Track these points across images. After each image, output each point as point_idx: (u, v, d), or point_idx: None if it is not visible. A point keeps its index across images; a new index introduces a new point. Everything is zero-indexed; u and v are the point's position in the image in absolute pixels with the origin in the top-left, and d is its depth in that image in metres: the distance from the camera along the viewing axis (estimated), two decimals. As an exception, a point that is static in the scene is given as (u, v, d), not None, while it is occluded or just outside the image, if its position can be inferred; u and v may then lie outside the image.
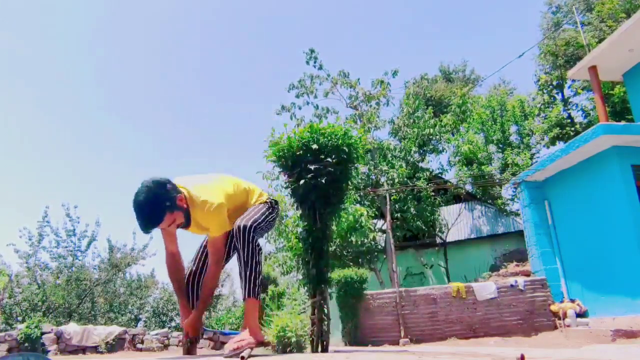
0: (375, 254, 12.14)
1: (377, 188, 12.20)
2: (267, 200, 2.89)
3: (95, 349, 8.05)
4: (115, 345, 8.20)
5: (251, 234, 2.45)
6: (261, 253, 2.50)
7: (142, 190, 2.27)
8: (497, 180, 14.52)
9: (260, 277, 2.45)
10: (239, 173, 3.08)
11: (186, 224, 2.49)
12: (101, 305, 13.57)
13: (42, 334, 7.88)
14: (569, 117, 15.02)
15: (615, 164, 6.77)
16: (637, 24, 7.37)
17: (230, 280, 24.54)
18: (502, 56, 48.07)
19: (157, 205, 2.27)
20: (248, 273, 2.39)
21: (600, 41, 11.21)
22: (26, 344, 7.64)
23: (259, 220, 2.60)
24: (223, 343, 8.99)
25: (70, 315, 12.27)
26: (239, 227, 2.45)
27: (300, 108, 12.89)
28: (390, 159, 12.49)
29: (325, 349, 3.75)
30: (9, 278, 12.30)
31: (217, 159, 54.50)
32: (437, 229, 13.94)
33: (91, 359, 7.27)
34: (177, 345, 8.06)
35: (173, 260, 2.75)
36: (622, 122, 9.41)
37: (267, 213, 2.75)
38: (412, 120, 12.97)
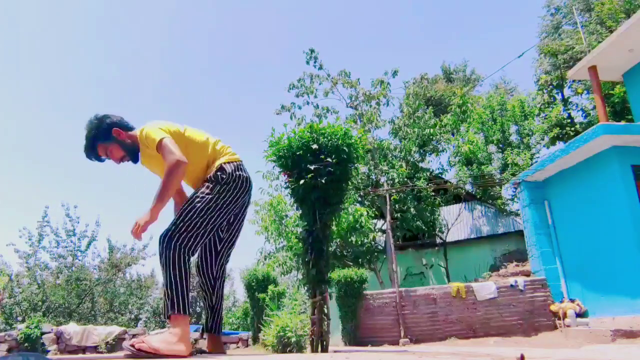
0: (375, 254, 12.14)
1: (377, 188, 12.20)
2: (221, 166, 2.45)
3: (95, 349, 8.05)
4: (115, 345, 8.20)
5: (165, 243, 2.22)
6: (181, 263, 2.19)
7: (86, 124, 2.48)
8: (497, 180, 14.52)
9: (180, 290, 2.15)
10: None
11: (133, 160, 2.51)
12: (101, 305, 13.57)
13: (42, 334, 7.88)
14: (569, 117, 15.00)
15: (615, 164, 6.77)
16: (636, 24, 7.37)
17: (230, 280, 24.54)
18: (502, 56, 48.08)
19: (88, 135, 2.45)
20: (165, 288, 2.19)
21: (599, 42, 11.20)
22: (26, 344, 7.63)
23: (189, 219, 2.27)
24: (223, 343, 9.00)
25: (70, 315, 12.27)
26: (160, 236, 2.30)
27: (300, 108, 12.88)
28: (390, 159, 12.49)
29: (325, 349, 3.76)
30: (9, 278, 12.30)
31: (217, 159, 54.35)
32: (437, 229, 13.94)
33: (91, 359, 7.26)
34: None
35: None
36: (622, 122, 9.41)
37: (210, 197, 2.33)
38: (412, 120, 12.97)
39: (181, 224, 2.27)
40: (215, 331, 2.72)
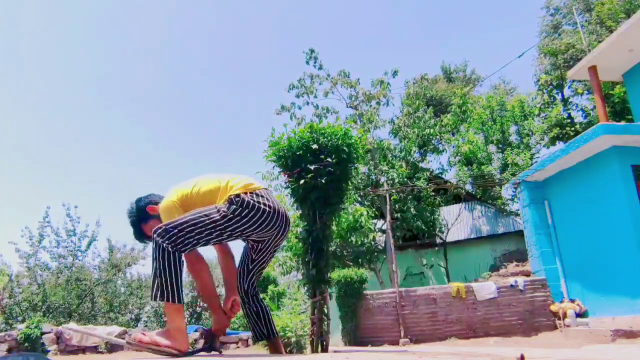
0: (375, 254, 12.14)
1: (377, 188, 12.20)
2: (228, 199, 2.40)
3: (95, 349, 8.05)
4: (115, 345, 8.19)
5: (155, 237, 2.27)
6: (169, 256, 2.23)
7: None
8: (497, 180, 14.51)
9: (167, 279, 2.19)
10: (237, 173, 2.94)
11: None
12: (101, 305, 13.57)
13: (42, 334, 7.88)
14: (569, 117, 15.00)
15: (615, 164, 6.77)
16: (636, 24, 7.37)
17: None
18: (502, 56, 48.08)
19: (131, 221, 2.68)
20: (152, 276, 2.26)
21: (599, 42, 11.20)
22: (26, 344, 7.63)
23: (180, 224, 2.28)
24: (223, 343, 8.99)
25: (70, 315, 12.26)
26: None
27: (300, 108, 12.89)
28: (390, 159, 12.48)
29: (325, 349, 3.76)
30: (9, 278, 12.30)
31: (217, 158, 54.52)
32: (437, 229, 13.93)
33: (91, 359, 7.27)
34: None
35: (222, 258, 2.77)
36: (622, 122, 9.41)
37: (206, 216, 2.32)
38: (412, 120, 12.97)
39: (175, 224, 2.30)
40: (270, 335, 2.83)
